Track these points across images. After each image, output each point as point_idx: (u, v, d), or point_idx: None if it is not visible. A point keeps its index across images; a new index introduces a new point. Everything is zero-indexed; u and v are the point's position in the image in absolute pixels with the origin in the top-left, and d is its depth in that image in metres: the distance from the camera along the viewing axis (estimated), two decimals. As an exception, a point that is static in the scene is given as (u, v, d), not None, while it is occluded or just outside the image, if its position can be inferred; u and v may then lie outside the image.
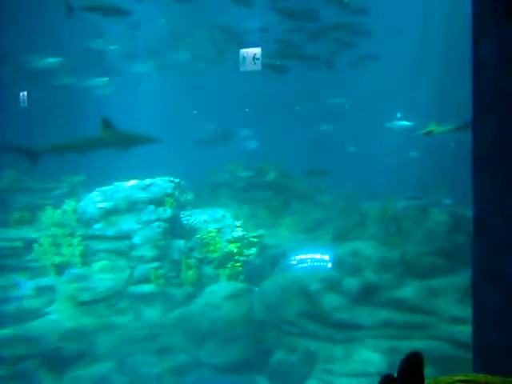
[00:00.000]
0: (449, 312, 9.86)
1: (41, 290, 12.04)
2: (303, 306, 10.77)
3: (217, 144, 17.98)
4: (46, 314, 11.61)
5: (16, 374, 10.56)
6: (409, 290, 10.40)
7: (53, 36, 16.34)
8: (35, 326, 11.19)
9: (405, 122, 15.72)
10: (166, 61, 18.73)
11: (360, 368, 9.65)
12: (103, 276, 12.32)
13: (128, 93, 19.00)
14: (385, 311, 10.28)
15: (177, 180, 14.50)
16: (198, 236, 13.24)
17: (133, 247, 12.72)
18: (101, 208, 13.30)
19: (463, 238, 10.37)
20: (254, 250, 13.05)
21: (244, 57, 9.16)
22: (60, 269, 12.55)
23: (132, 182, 14.02)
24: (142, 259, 12.51)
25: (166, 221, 13.19)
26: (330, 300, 10.59)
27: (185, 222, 13.94)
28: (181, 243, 12.99)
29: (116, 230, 12.99)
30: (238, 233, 13.37)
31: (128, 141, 9.12)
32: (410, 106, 17.16)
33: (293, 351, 10.62)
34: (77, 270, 12.51)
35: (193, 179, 15.64)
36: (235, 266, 12.67)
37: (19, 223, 13.67)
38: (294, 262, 11.67)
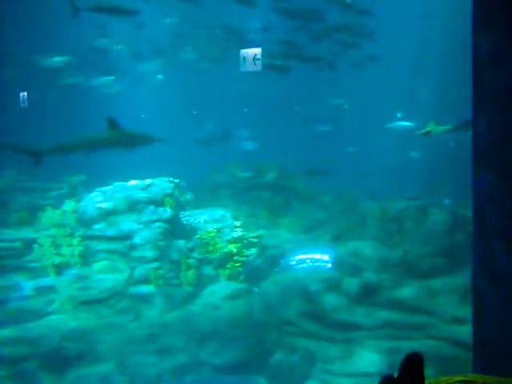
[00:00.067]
0: (449, 312, 9.85)
1: (41, 291, 12.01)
2: (303, 306, 10.76)
3: (216, 144, 17.97)
4: (46, 314, 11.59)
5: (16, 374, 10.54)
6: (409, 290, 10.39)
7: (58, 35, 16.36)
8: (35, 326, 11.16)
9: (405, 123, 15.69)
10: (171, 60, 18.71)
11: (360, 368, 9.64)
12: (103, 276, 12.32)
13: (133, 92, 18.98)
14: (385, 311, 10.27)
15: (176, 180, 14.50)
16: (198, 236, 13.23)
17: (133, 247, 12.73)
18: (101, 208, 13.30)
19: (463, 238, 10.38)
20: (253, 251, 13.03)
21: (244, 57, 9.15)
22: (60, 269, 12.53)
23: (132, 183, 14.02)
24: (141, 259, 12.52)
25: (165, 221, 13.20)
26: (330, 300, 10.58)
27: (185, 223, 13.95)
28: (181, 243, 12.99)
29: (116, 230, 12.99)
30: (238, 233, 13.37)
31: (133, 141, 9.13)
32: (410, 106, 17.13)
33: (293, 351, 10.61)
34: (77, 271, 12.50)
35: (192, 179, 15.63)
36: (235, 267, 12.65)
37: (19, 223, 13.63)
38: (294, 262, 11.67)
